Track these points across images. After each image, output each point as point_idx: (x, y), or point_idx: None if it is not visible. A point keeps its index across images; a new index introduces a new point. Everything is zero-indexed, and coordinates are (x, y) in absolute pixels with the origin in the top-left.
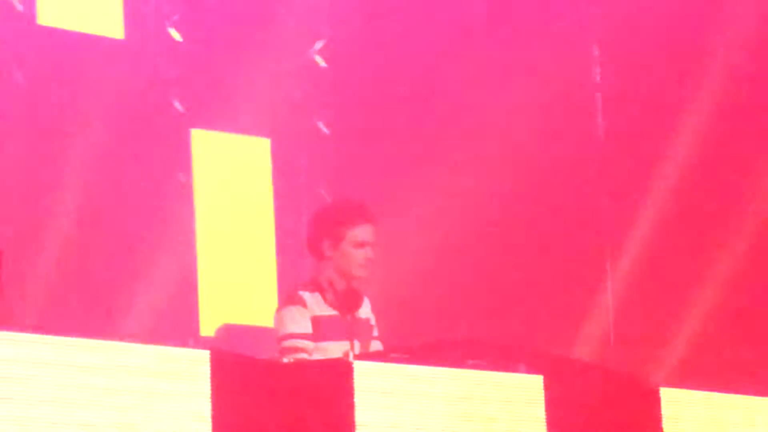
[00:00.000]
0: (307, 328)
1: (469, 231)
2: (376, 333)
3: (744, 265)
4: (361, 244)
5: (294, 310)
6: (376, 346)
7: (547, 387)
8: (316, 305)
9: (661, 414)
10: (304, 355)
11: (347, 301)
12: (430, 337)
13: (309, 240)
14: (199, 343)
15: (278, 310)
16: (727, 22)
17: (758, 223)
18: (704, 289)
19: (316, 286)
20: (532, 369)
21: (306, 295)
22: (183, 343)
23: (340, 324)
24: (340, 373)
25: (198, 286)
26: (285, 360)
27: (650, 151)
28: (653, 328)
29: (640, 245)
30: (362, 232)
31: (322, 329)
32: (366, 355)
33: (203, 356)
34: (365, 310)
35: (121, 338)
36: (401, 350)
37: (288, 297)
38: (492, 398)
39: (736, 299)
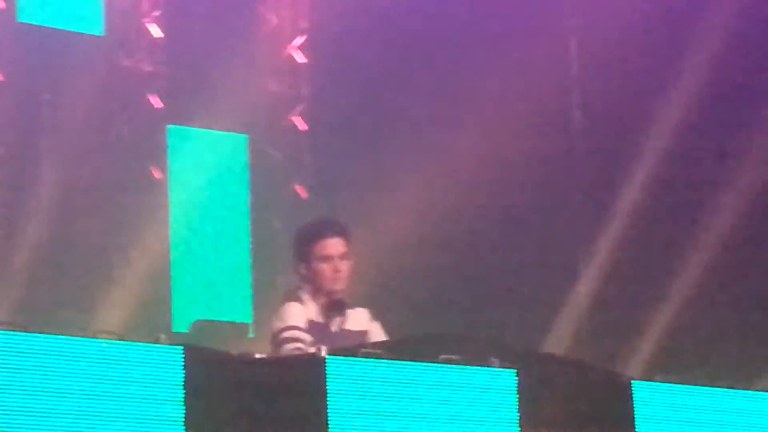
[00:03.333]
0: (301, 321)
1: (443, 226)
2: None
3: (717, 259)
4: (328, 258)
5: (293, 306)
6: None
7: (521, 381)
8: (303, 314)
9: (633, 407)
10: (301, 345)
11: (327, 314)
12: (404, 331)
13: (291, 265)
14: (173, 338)
15: (279, 307)
16: (705, 17)
17: (732, 216)
18: (677, 282)
19: (301, 297)
20: (505, 363)
21: (293, 305)
22: (156, 339)
23: (326, 332)
24: (313, 368)
25: (171, 282)
26: (286, 347)
27: (626, 144)
28: (625, 322)
29: (614, 239)
30: (326, 246)
31: (313, 332)
32: (339, 350)
33: (176, 352)
34: (354, 322)
35: (94, 334)
36: (374, 345)
37: (288, 294)
38: (465, 392)
39: (709, 292)
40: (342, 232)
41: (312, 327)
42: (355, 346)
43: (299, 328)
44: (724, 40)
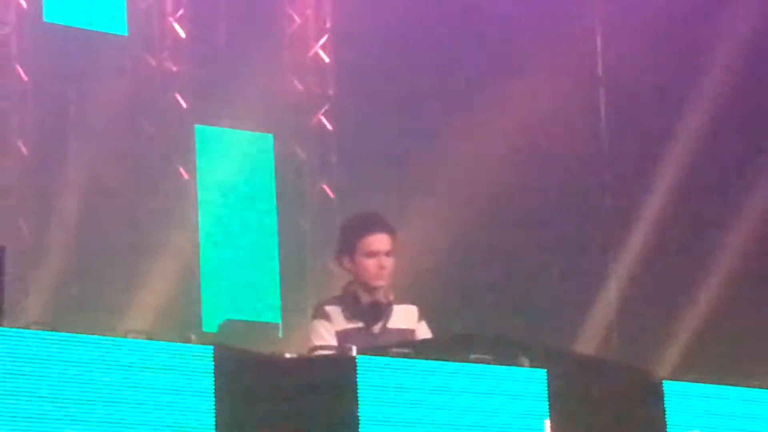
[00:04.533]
0: (330, 340)
1: (474, 226)
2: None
3: (745, 260)
4: (374, 253)
5: (318, 325)
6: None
7: (551, 381)
8: (341, 318)
9: (664, 407)
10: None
11: (370, 314)
12: (435, 330)
13: (335, 255)
14: (203, 338)
15: (310, 323)
16: (729, 17)
17: (760, 217)
18: (708, 281)
19: (341, 300)
20: (535, 363)
21: (330, 309)
22: (186, 339)
23: (366, 336)
24: (343, 368)
25: (201, 282)
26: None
27: (653, 145)
28: (656, 322)
29: (643, 239)
30: (372, 241)
31: (347, 341)
32: (369, 350)
33: (206, 352)
34: (402, 320)
35: (124, 334)
36: (404, 345)
37: (315, 310)
38: (495, 392)
39: (741, 291)
40: (389, 228)
41: (348, 334)
42: (387, 346)
43: (326, 347)
44: (751, 37)
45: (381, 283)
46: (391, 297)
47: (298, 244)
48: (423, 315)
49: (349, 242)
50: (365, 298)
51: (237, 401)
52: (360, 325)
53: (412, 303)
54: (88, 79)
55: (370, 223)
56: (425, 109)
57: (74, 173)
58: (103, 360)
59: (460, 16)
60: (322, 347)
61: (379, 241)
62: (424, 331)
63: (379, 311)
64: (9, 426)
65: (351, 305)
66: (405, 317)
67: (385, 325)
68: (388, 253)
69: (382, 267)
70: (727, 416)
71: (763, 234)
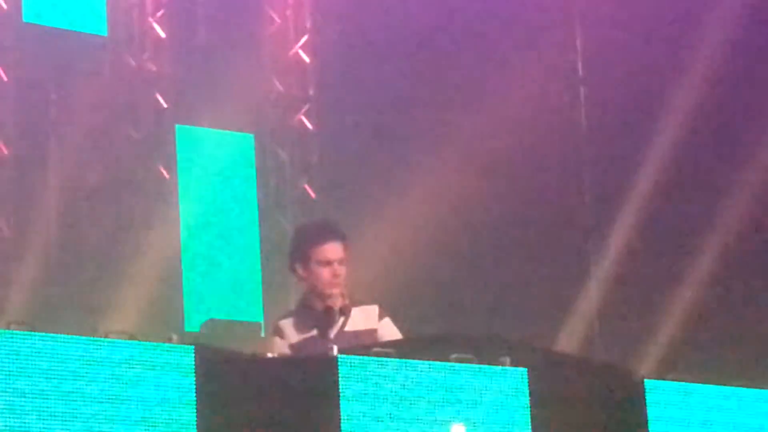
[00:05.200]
0: (291, 348)
1: (453, 226)
2: (387, 338)
3: (728, 259)
4: (327, 262)
5: (270, 343)
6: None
7: (532, 380)
8: (293, 331)
9: (645, 405)
10: None
11: (324, 320)
12: (415, 330)
13: (288, 264)
14: (184, 338)
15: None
16: (711, 17)
17: (741, 217)
18: (689, 280)
19: (294, 312)
20: (515, 362)
21: (283, 324)
22: (167, 339)
23: (317, 343)
24: (324, 367)
25: (182, 281)
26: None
27: (635, 145)
28: (638, 321)
29: (624, 238)
30: (325, 250)
31: (302, 353)
32: (350, 350)
33: (187, 352)
34: (361, 321)
35: (105, 334)
36: (385, 344)
37: (271, 327)
38: (476, 391)
39: (722, 290)
40: (342, 236)
41: (302, 344)
42: (365, 346)
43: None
44: (734, 34)
45: (334, 290)
46: (346, 301)
47: (280, 243)
48: (385, 313)
49: (301, 251)
50: (318, 305)
51: (218, 401)
52: (314, 333)
53: (391, 300)
54: (68, 80)
55: (324, 231)
56: (405, 109)
57: (55, 173)
58: (84, 360)
59: (442, 16)
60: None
61: (333, 249)
62: (388, 328)
63: (332, 316)
64: None
65: (304, 315)
66: (364, 318)
67: (342, 329)
68: (341, 261)
69: (335, 275)
70: (708, 415)
71: (745, 233)
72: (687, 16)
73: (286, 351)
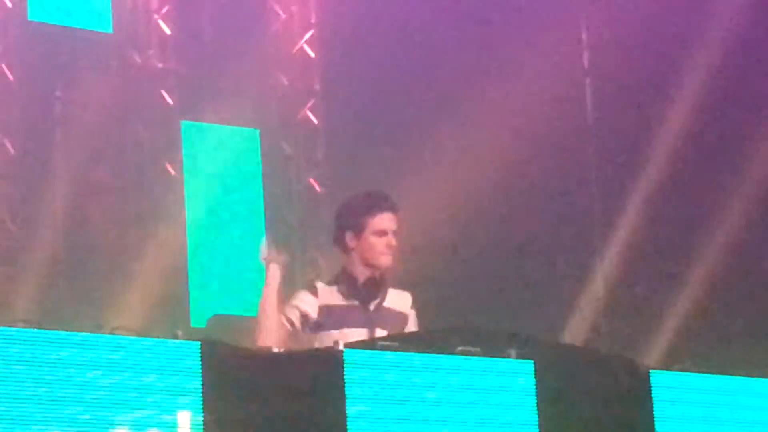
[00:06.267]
0: (312, 311)
1: (462, 221)
2: (413, 328)
3: (735, 247)
4: (383, 232)
5: (302, 294)
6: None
7: (538, 371)
8: (331, 296)
9: (651, 396)
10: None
11: (367, 291)
12: (421, 323)
13: (334, 234)
14: (190, 334)
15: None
16: (718, 9)
17: (751, 205)
18: (694, 270)
19: (335, 278)
20: (522, 354)
21: (320, 286)
22: (173, 335)
23: (358, 313)
24: (330, 362)
25: (188, 277)
26: (286, 315)
27: (639, 137)
28: (643, 312)
29: (630, 230)
30: (383, 220)
31: (334, 317)
32: (355, 344)
33: (194, 348)
34: (397, 302)
35: (111, 330)
36: (391, 338)
37: (306, 283)
38: (483, 384)
39: (727, 280)
40: (396, 207)
41: (341, 310)
42: (380, 326)
43: (302, 309)
44: (737, 32)
45: (387, 261)
46: (389, 279)
47: (286, 238)
48: (414, 304)
49: (356, 220)
50: (363, 276)
51: (225, 397)
52: (355, 303)
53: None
54: (73, 77)
55: (380, 201)
56: (411, 104)
57: (61, 171)
58: (90, 357)
59: (446, 11)
60: (299, 310)
61: (389, 219)
62: (413, 320)
63: (376, 288)
64: None
65: (347, 283)
66: (400, 301)
67: (381, 303)
68: (395, 233)
69: (390, 246)
70: (714, 405)
71: (751, 227)
72: (694, 9)
73: (314, 312)
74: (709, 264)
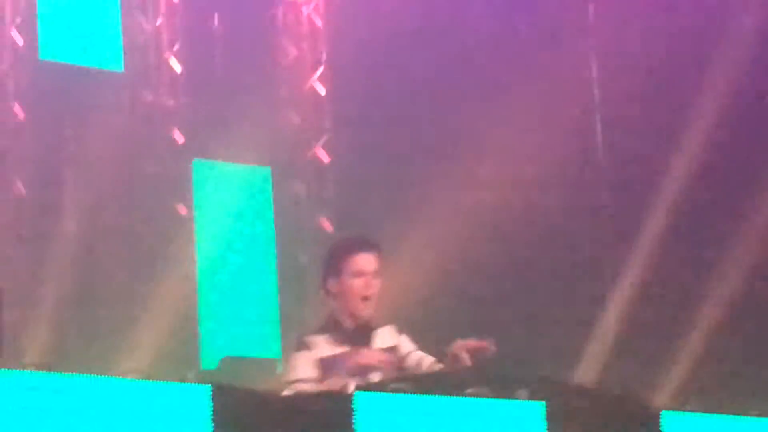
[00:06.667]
0: (310, 372)
1: (469, 255)
2: (407, 349)
3: (747, 284)
4: (360, 273)
5: (297, 357)
6: (414, 356)
7: (550, 412)
8: (324, 346)
9: None
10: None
11: (355, 337)
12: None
13: (321, 280)
14: (201, 376)
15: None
16: (726, 41)
17: (762, 240)
18: (706, 308)
19: (323, 328)
20: (533, 395)
21: (311, 339)
22: (183, 378)
23: (352, 360)
24: (339, 405)
25: (199, 318)
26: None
27: (649, 168)
28: (654, 351)
29: (641, 266)
30: (359, 260)
31: (330, 368)
32: (366, 386)
33: (204, 391)
34: (383, 340)
35: (122, 373)
36: (401, 380)
37: (296, 343)
38: (494, 426)
39: (739, 318)
40: (376, 248)
41: (332, 360)
42: (382, 381)
43: (300, 380)
44: (748, 58)
45: (367, 305)
46: (373, 322)
47: (298, 278)
48: (401, 330)
49: (334, 263)
50: (348, 323)
51: None
52: (345, 349)
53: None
54: (85, 116)
55: (356, 242)
56: (422, 139)
57: (72, 211)
58: (101, 400)
59: (455, 44)
60: (300, 380)
61: (366, 260)
62: (406, 344)
63: (363, 333)
64: None
65: (333, 331)
66: (386, 336)
67: (370, 345)
68: (375, 274)
69: (368, 286)
70: None
71: (764, 259)
72: (704, 37)
73: (312, 367)
74: (722, 301)
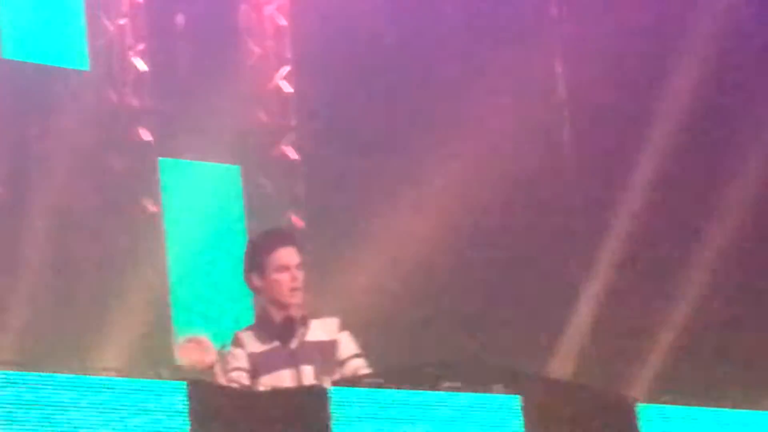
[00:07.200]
0: (243, 364)
1: (440, 251)
2: (347, 352)
3: (720, 278)
4: (285, 267)
5: (228, 354)
6: (351, 365)
7: (526, 406)
8: (255, 342)
9: (639, 430)
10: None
11: (284, 330)
12: (405, 359)
13: (243, 276)
14: (175, 373)
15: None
16: (694, 36)
17: (734, 234)
18: (680, 301)
19: (254, 324)
20: (509, 389)
21: (243, 335)
22: (157, 374)
23: (280, 354)
24: (316, 399)
25: (172, 315)
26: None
27: (620, 164)
28: (629, 344)
29: (615, 259)
30: (282, 255)
31: (260, 364)
32: (342, 381)
33: (180, 387)
34: (321, 332)
35: (96, 371)
36: (376, 374)
37: (232, 338)
38: (469, 419)
39: (713, 311)
40: (295, 241)
41: (264, 356)
42: (305, 361)
43: (236, 368)
44: (715, 51)
45: (295, 297)
46: (305, 311)
47: None
48: (345, 326)
49: (257, 260)
50: (278, 316)
51: None
52: (276, 344)
53: (382, 324)
54: (50, 116)
55: (277, 237)
56: (391, 136)
57: (38, 210)
58: (75, 398)
59: (424, 43)
60: (233, 368)
61: (289, 254)
62: (347, 342)
63: (293, 327)
64: None
65: (264, 326)
66: (324, 329)
67: (302, 339)
68: (298, 266)
69: (294, 279)
70: None
71: (738, 251)
72: (670, 35)
73: (243, 361)
74: (696, 294)
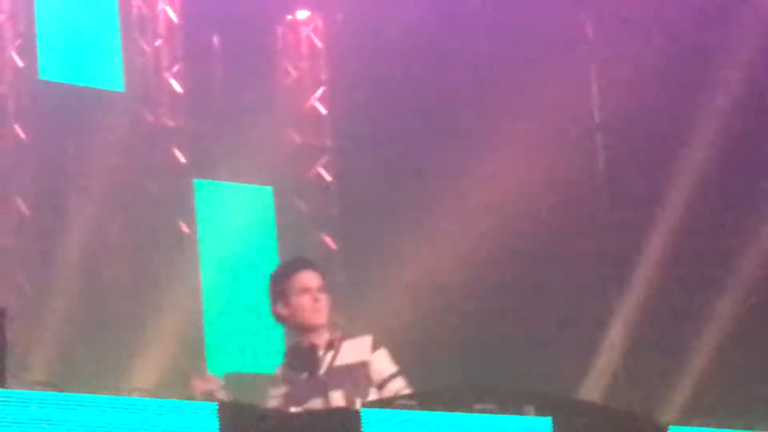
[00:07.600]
0: (282, 402)
1: (473, 274)
2: (385, 372)
3: (753, 300)
4: (305, 290)
5: (270, 394)
6: (391, 387)
7: (556, 429)
8: (287, 376)
9: None
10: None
11: (310, 359)
12: (438, 381)
13: (271, 312)
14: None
15: None
16: (726, 61)
17: (762, 259)
18: (712, 324)
19: (286, 355)
20: (540, 411)
21: (278, 372)
22: (190, 395)
23: (309, 384)
24: (347, 421)
25: (205, 336)
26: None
27: (653, 189)
28: (661, 366)
29: (647, 282)
30: (301, 278)
31: (292, 397)
32: (374, 402)
33: (211, 409)
34: (352, 354)
35: (128, 392)
36: (408, 397)
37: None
38: None
39: (745, 333)
40: (315, 266)
41: (294, 388)
42: (357, 381)
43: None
44: (749, 79)
45: (318, 317)
46: (335, 334)
47: None
48: (381, 344)
49: (279, 288)
50: (304, 343)
51: None
52: (304, 375)
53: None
54: (86, 136)
55: (297, 262)
56: (424, 158)
57: (74, 231)
58: (108, 419)
59: (454, 65)
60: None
61: (308, 277)
62: (382, 360)
63: (318, 354)
64: None
65: (293, 359)
66: (355, 351)
67: (332, 364)
68: (320, 289)
69: (316, 300)
70: None
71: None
72: (703, 60)
73: (278, 399)
74: (728, 317)
